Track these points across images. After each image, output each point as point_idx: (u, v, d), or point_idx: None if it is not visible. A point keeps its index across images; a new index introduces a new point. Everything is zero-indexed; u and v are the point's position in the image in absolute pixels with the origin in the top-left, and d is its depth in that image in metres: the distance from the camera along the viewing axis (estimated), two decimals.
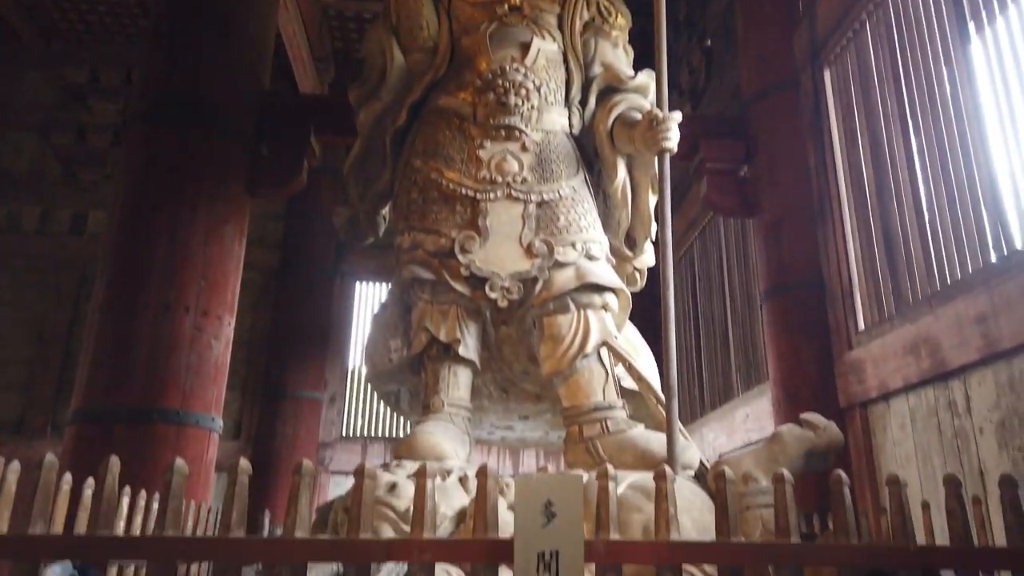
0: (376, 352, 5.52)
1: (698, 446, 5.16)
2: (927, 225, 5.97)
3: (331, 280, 12.19)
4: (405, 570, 3.07)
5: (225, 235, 6.21)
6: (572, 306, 4.80)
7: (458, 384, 4.93)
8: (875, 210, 6.72)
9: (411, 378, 5.40)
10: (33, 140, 12.10)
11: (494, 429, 6.00)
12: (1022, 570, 2.90)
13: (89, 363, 5.51)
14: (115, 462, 2.68)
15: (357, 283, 13.01)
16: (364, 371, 5.76)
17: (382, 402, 6.05)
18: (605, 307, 4.90)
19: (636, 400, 5.01)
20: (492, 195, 4.85)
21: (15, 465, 2.62)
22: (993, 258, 5.22)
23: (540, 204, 4.89)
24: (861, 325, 6.77)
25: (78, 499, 3.40)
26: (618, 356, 4.86)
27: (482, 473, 2.89)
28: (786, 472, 2.98)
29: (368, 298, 13.02)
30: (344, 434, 12.15)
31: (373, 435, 12.33)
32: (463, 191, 4.87)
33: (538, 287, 4.76)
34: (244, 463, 2.77)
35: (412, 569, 2.73)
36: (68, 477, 3.17)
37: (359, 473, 2.80)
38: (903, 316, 6.11)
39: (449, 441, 4.54)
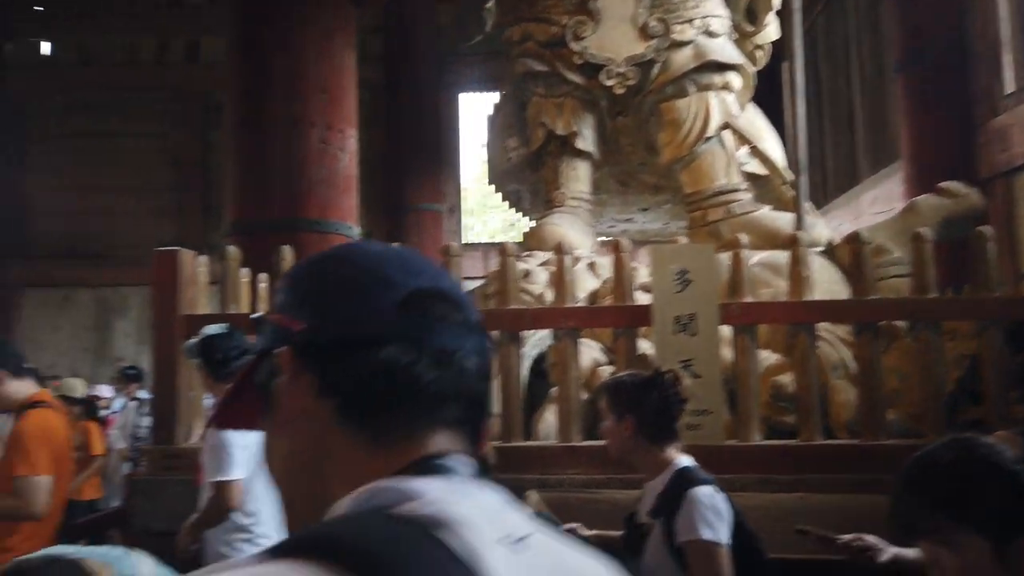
0: (495, 153, 5.61)
1: None
2: None
3: (436, 92, 12.15)
4: (549, 342, 3.34)
5: (335, 47, 6.23)
6: (691, 88, 4.65)
7: (578, 177, 4.98)
8: None
9: (531, 176, 5.49)
10: None
11: (614, 223, 6.10)
12: None
13: (236, 181, 5.91)
14: (287, 249, 2.97)
15: (460, 94, 12.94)
16: (484, 175, 5.90)
17: (505, 204, 6.23)
18: (726, 87, 4.71)
19: (759, 183, 4.92)
20: None
21: (203, 259, 2.96)
22: None
23: None
24: (1009, 88, 6.23)
25: (255, 292, 3.80)
26: (741, 138, 4.74)
27: (616, 247, 3.03)
28: (924, 230, 2.96)
29: (473, 108, 12.98)
30: (465, 242, 12.69)
31: (493, 242, 12.82)
32: None
33: (655, 70, 4.61)
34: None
35: (557, 335, 2.99)
36: (245, 271, 3.53)
37: (502, 252, 3.01)
38: None
39: (575, 231, 4.68)
